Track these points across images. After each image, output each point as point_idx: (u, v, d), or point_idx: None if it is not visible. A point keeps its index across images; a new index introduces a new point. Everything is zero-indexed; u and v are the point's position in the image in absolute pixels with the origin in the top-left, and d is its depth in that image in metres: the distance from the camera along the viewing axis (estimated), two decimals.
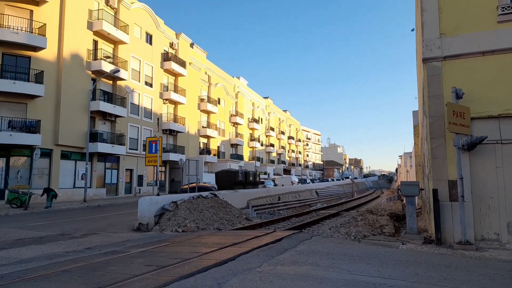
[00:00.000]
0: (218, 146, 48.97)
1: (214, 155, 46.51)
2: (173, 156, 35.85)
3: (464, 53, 9.04)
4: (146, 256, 7.37)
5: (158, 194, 17.47)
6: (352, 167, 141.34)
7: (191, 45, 43.70)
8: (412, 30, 19.35)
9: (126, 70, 30.88)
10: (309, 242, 8.63)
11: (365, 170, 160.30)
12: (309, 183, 53.76)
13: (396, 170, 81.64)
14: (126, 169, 32.00)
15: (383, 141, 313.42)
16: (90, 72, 27.92)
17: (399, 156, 68.25)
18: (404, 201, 11.43)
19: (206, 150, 44.83)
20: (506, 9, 8.69)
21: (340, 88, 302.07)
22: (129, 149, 32.09)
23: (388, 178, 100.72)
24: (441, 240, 8.61)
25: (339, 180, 75.83)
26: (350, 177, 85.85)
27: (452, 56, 9.14)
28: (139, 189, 33.18)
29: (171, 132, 37.86)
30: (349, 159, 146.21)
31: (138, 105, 33.64)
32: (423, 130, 13.44)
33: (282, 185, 40.92)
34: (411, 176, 34.94)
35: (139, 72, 33.85)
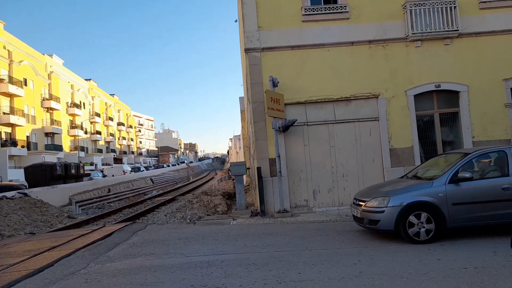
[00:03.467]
0: (27, 136, 41.01)
1: (23, 146, 38.78)
2: None
3: (277, 46, 10.22)
4: None
5: None
6: (188, 151, 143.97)
7: None
8: (236, 21, 20.72)
9: None
10: (142, 232, 8.25)
11: (200, 154, 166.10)
12: (143, 170, 51.80)
13: (228, 152, 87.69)
14: None
15: (215, 126, 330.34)
16: None
17: (230, 139, 73.36)
18: (235, 180, 12.33)
19: (10, 142, 36.84)
20: (307, 10, 10.25)
21: (171, 74, 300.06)
22: None
23: (221, 160, 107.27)
24: (265, 212, 9.70)
25: (175, 165, 76.00)
26: (185, 161, 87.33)
27: (269, 48, 10.21)
28: None
29: None
30: (184, 144, 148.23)
31: None
32: (248, 114, 14.74)
33: (113, 176, 37.98)
34: (240, 157, 38.16)
35: None
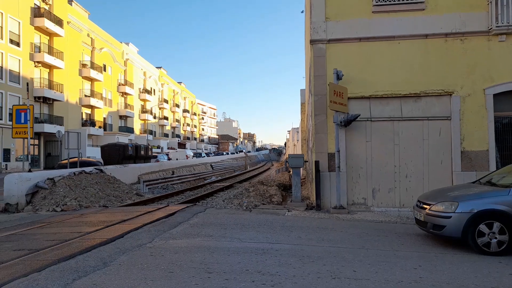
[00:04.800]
0: (104, 118, 44.94)
1: (100, 127, 42.60)
2: (49, 128, 31.56)
3: (344, 37, 9.95)
4: (16, 240, 6.43)
5: (30, 170, 15.28)
6: (246, 141, 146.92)
7: (69, 1, 38.21)
8: (302, 12, 20.49)
9: None
10: (203, 215, 8.70)
11: (258, 144, 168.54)
12: (204, 156, 53.93)
13: (285, 144, 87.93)
14: None
15: (274, 117, 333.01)
16: None
17: (288, 131, 73.40)
18: (291, 172, 12.38)
19: (90, 122, 40.68)
20: (379, 0, 9.79)
21: (235, 65, 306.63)
22: None
23: (278, 152, 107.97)
24: (320, 206, 9.64)
25: (234, 153, 78.03)
26: (243, 150, 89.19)
27: (335, 40, 9.97)
28: (6, 164, 28.54)
29: (46, 100, 33.12)
30: (243, 133, 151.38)
31: (1, 67, 28.30)
32: (309, 107, 14.61)
33: (177, 159, 40.14)
34: (298, 149, 38.06)
35: (2, 27, 28.28)
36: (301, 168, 11.25)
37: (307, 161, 15.39)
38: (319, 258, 5.13)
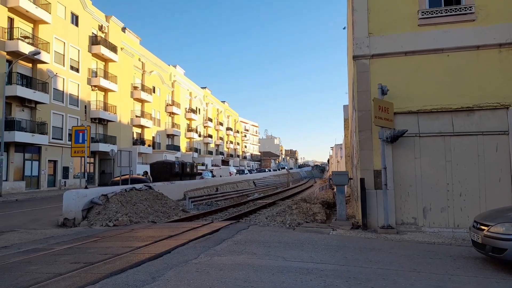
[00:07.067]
0: (153, 137, 47.15)
1: (149, 145, 44.70)
2: (103, 147, 33.71)
3: (389, 52, 9.75)
4: (73, 253, 6.86)
5: (86, 187, 16.35)
6: (288, 158, 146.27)
7: (123, 29, 41.17)
8: (344, 28, 20.39)
9: (48, 53, 28.04)
10: (246, 232, 8.74)
11: (300, 161, 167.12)
12: (247, 173, 54.47)
13: (328, 160, 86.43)
14: (49, 160, 29.31)
15: (316, 134, 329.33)
16: (5, 53, 24.90)
17: (331, 147, 72.22)
18: (335, 190, 12.12)
19: (140, 141, 42.86)
20: (425, 13, 9.53)
21: (278, 82, 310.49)
22: (53, 138, 29.39)
23: (321, 168, 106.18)
24: (367, 225, 9.30)
25: (276, 170, 77.92)
26: (286, 167, 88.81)
27: (379, 55, 9.80)
28: (65, 181, 30.72)
29: (101, 121, 35.50)
30: (285, 150, 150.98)
31: (63, 91, 30.89)
32: (353, 123, 14.32)
33: (220, 176, 40.88)
34: (341, 166, 37.20)
35: (64, 55, 31.02)
36: (345, 186, 10.99)
37: (352, 179, 14.99)
38: (367, 280, 4.93)
